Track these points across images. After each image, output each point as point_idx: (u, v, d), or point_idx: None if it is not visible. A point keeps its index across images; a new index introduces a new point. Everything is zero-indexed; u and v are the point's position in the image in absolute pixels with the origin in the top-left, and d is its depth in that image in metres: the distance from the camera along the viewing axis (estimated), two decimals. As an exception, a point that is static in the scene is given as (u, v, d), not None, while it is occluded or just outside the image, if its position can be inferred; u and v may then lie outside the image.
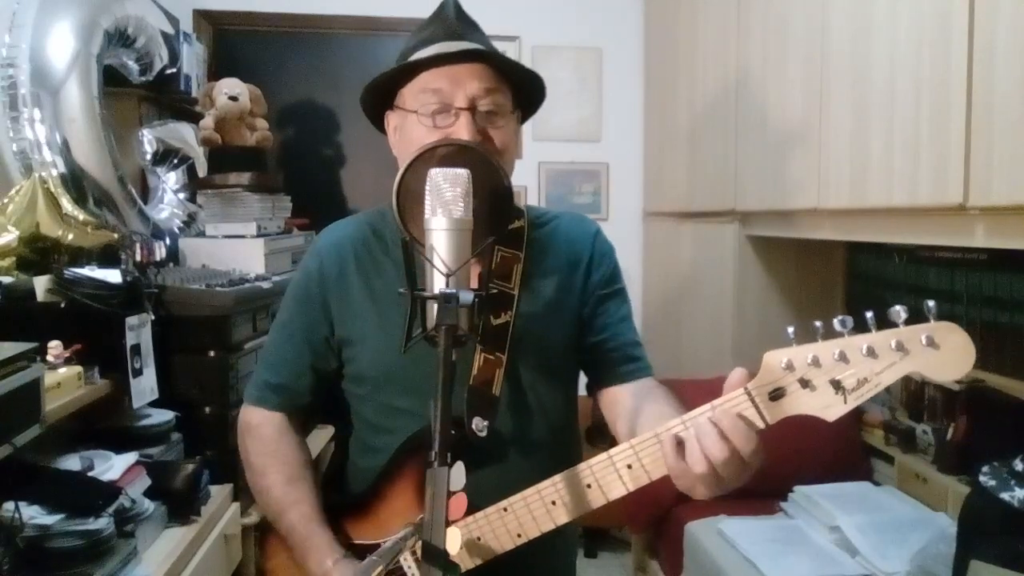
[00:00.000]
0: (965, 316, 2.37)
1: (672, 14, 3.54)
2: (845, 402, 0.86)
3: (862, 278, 3.13)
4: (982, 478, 1.75)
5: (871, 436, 2.84)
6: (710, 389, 0.96)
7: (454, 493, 1.04)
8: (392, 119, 1.21)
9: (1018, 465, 1.72)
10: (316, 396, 1.27)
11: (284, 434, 1.25)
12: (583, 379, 1.31)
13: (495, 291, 1.17)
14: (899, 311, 0.83)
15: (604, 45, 3.85)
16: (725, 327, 3.20)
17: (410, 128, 1.15)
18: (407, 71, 1.14)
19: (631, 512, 2.90)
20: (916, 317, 0.84)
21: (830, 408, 0.87)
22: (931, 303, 0.82)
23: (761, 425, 0.89)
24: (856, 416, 2.89)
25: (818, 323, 0.86)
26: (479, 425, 1.13)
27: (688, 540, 2.52)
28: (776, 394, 0.89)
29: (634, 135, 3.88)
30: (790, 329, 0.89)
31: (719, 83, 3.15)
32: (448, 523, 0.83)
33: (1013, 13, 1.59)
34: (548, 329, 1.21)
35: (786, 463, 2.70)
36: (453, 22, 1.17)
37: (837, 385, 0.86)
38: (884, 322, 0.85)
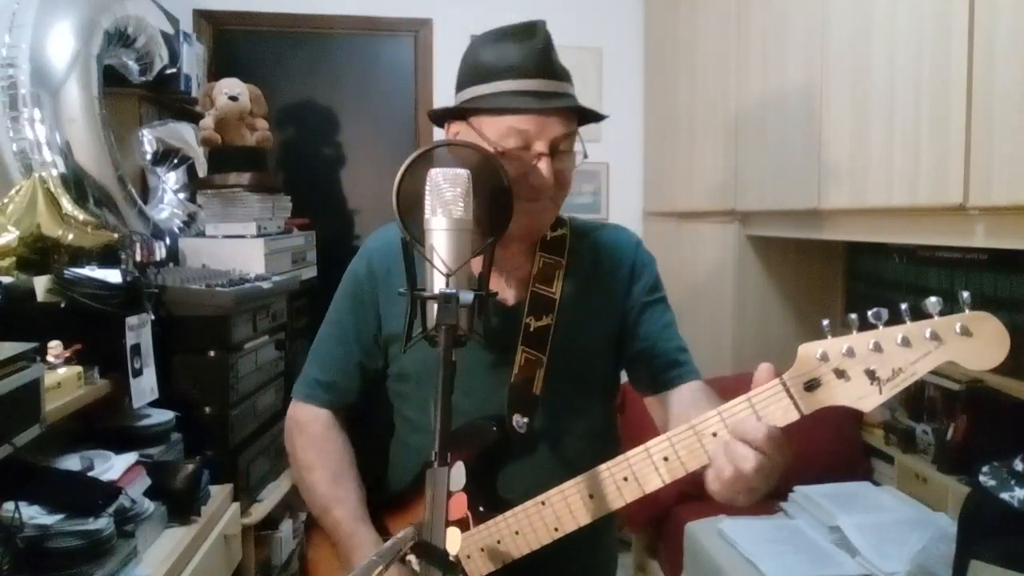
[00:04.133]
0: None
1: (672, 14, 3.54)
2: (880, 392, 0.87)
3: (862, 278, 3.13)
4: (982, 478, 1.75)
5: (871, 436, 2.84)
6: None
7: (454, 493, 1.05)
8: (457, 127, 1.20)
9: (1018, 465, 1.72)
10: (363, 395, 1.30)
11: (331, 431, 1.28)
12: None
13: (538, 294, 1.21)
14: (935, 302, 0.84)
15: (604, 45, 3.85)
16: (725, 327, 3.20)
17: None
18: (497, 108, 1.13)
19: (631, 512, 2.90)
20: (920, 313, 0.84)
21: (865, 399, 0.88)
22: (966, 293, 0.83)
23: (796, 415, 0.90)
24: (856, 416, 2.89)
25: (853, 316, 0.87)
26: (519, 422, 1.17)
27: (688, 540, 2.52)
28: (811, 384, 0.89)
29: (634, 135, 3.88)
30: (824, 322, 0.90)
31: (719, 83, 3.15)
32: (448, 523, 0.83)
33: (1013, 13, 1.59)
34: (588, 334, 1.24)
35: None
36: (544, 52, 1.15)
37: (872, 375, 0.86)
38: (919, 313, 0.85)
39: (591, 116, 1.22)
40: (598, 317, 1.25)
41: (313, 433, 1.28)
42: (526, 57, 1.14)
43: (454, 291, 0.91)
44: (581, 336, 1.23)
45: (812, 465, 2.68)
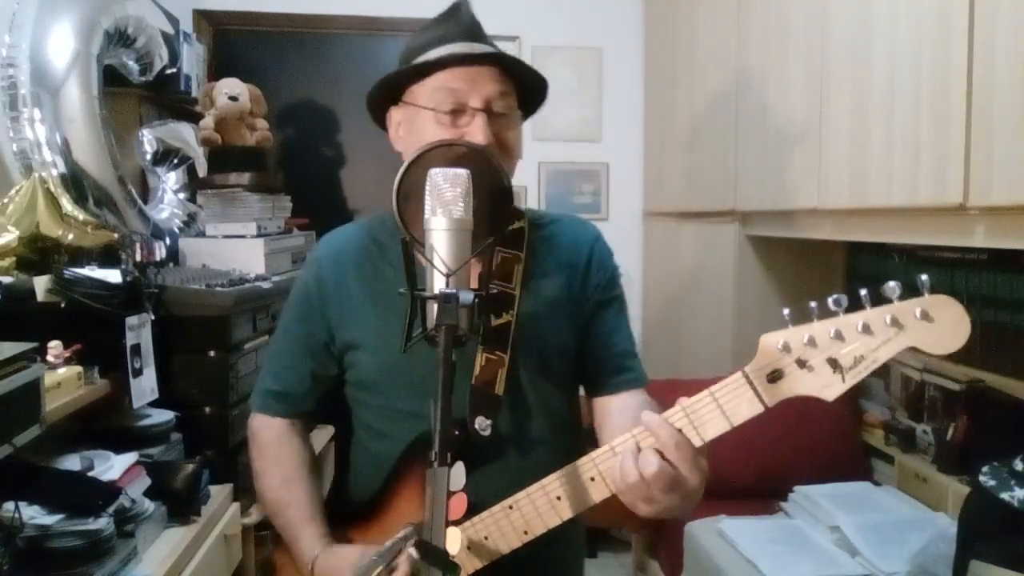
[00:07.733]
0: (965, 316, 2.37)
1: (672, 14, 3.54)
2: (843, 380, 0.86)
3: (862, 278, 3.13)
4: (982, 478, 1.75)
5: (871, 436, 2.84)
6: (709, 390, 0.96)
7: (454, 493, 1.05)
8: (396, 115, 1.22)
9: (1018, 465, 1.72)
10: (318, 402, 1.28)
11: (283, 437, 1.27)
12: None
13: (496, 291, 1.18)
14: (893, 287, 0.83)
15: (604, 45, 3.85)
16: (725, 327, 3.20)
17: (421, 125, 1.15)
18: (425, 69, 1.15)
19: (631, 512, 2.90)
20: (912, 293, 0.84)
21: (829, 387, 0.87)
22: (924, 277, 0.82)
23: (761, 408, 0.90)
24: (856, 416, 2.89)
25: (813, 303, 0.87)
26: (482, 424, 1.14)
27: (688, 540, 2.52)
28: (774, 376, 0.89)
29: (634, 135, 3.88)
30: (785, 311, 0.89)
31: (719, 83, 3.15)
32: (448, 523, 0.83)
33: (1013, 13, 1.59)
34: (548, 329, 1.22)
35: (786, 463, 2.70)
36: (470, 23, 1.19)
37: (834, 364, 0.86)
38: (879, 299, 0.85)
39: (531, 81, 1.19)
40: (557, 312, 1.22)
41: (263, 440, 1.27)
42: (449, 28, 1.17)
43: (454, 291, 0.91)
44: (542, 332, 1.20)
45: (812, 465, 2.68)
